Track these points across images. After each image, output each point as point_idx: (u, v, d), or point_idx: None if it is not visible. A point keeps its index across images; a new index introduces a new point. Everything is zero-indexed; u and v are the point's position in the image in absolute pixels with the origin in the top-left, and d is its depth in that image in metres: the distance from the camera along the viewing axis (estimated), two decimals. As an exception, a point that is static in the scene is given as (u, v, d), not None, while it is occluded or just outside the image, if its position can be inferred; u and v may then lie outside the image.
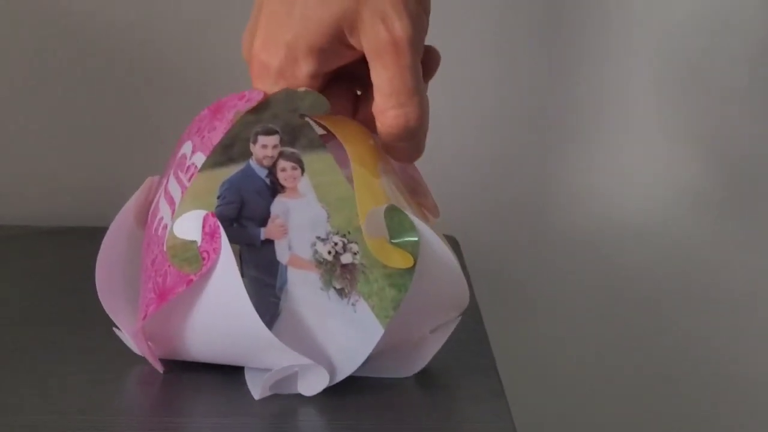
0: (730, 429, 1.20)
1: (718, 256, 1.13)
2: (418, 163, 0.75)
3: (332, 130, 0.69)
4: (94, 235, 0.72)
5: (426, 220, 0.75)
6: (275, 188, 0.68)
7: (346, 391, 0.68)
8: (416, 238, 0.66)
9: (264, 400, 0.68)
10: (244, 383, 0.69)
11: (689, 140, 1.07)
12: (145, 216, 0.73)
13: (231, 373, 0.70)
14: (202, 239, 0.65)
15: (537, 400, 1.15)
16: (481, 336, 0.80)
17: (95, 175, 1.08)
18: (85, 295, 0.71)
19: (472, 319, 0.77)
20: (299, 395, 0.68)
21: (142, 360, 0.70)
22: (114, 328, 0.71)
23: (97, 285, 0.69)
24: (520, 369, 1.13)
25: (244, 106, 0.69)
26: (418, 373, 0.71)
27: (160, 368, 0.70)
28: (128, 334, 0.69)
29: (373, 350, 0.67)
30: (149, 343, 0.69)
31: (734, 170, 1.10)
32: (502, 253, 1.11)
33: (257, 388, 0.67)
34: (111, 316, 0.69)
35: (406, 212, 0.66)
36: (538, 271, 1.12)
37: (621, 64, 1.05)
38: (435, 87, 1.03)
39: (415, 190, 0.75)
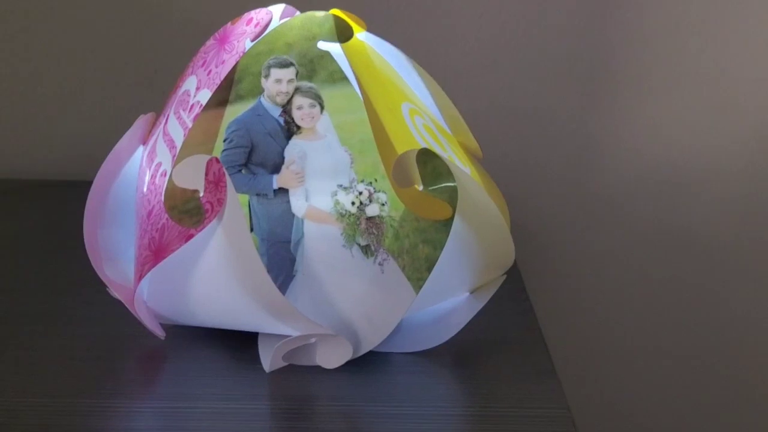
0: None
1: None
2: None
3: (349, 60, 0.60)
4: (81, 189, 0.64)
5: (471, 160, 0.68)
6: (290, 129, 0.60)
7: (371, 368, 0.61)
8: (453, 184, 0.57)
9: (277, 379, 0.60)
10: (255, 357, 0.61)
11: (740, 93, 0.98)
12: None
13: (241, 344, 0.62)
14: (205, 188, 0.56)
15: (586, 377, 1.06)
16: (525, 305, 0.71)
17: (79, 122, 0.98)
18: (73, 255, 0.64)
19: (513, 285, 0.68)
20: (317, 368, 0.60)
21: (140, 328, 0.61)
22: (107, 290, 0.62)
23: (85, 241, 0.61)
24: (567, 341, 1.04)
25: (253, 32, 0.61)
26: (454, 349, 0.63)
27: (160, 334, 0.61)
28: (122, 297, 0.60)
29: (403, 316, 0.59)
30: (147, 305, 0.61)
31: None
32: (543, 214, 1.02)
33: (268, 358, 0.59)
34: (102, 276, 0.61)
35: (441, 155, 0.57)
36: (583, 234, 1.03)
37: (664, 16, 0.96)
38: (474, 37, 0.96)
39: (456, 129, 0.68)
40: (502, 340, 0.65)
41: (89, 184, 0.63)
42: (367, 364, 0.60)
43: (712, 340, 1.07)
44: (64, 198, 0.74)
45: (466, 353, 0.63)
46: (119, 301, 0.61)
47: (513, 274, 0.69)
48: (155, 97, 0.71)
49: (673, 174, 1.00)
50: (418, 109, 0.64)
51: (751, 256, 1.04)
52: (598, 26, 0.95)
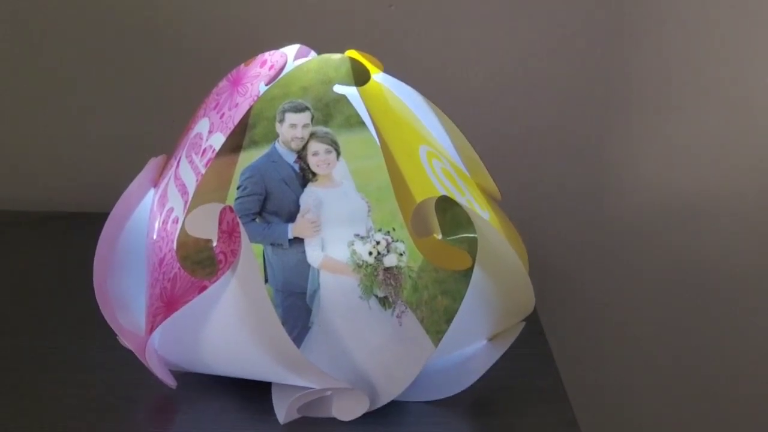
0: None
1: None
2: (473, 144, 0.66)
3: (366, 104, 0.59)
4: (94, 220, 0.62)
5: (489, 202, 0.66)
6: (305, 176, 0.58)
7: (388, 418, 0.59)
8: (473, 233, 0.55)
9: (291, 429, 0.58)
10: (269, 408, 0.59)
11: (760, 118, 0.97)
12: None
13: (255, 394, 0.60)
14: (219, 238, 0.54)
15: (610, 427, 1.05)
16: (544, 350, 0.69)
17: (91, 156, 0.97)
18: (82, 296, 0.61)
19: (531, 329, 0.66)
20: (333, 420, 0.58)
21: (151, 378, 0.60)
22: (118, 338, 0.61)
23: (95, 289, 0.59)
24: (588, 385, 1.02)
25: (268, 75, 0.59)
26: (472, 397, 0.61)
27: (171, 384, 0.60)
28: (132, 347, 0.59)
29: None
30: (158, 353, 0.59)
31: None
32: (559, 243, 1.01)
33: (283, 410, 0.57)
34: (112, 325, 0.59)
35: (460, 201, 0.55)
36: (599, 263, 1.02)
37: (682, 38, 0.95)
38: (494, 59, 0.94)
39: (474, 170, 0.66)
40: (521, 388, 0.64)
41: (96, 215, 0.62)
42: (384, 414, 0.59)
43: (738, 374, 1.05)
44: (72, 231, 0.72)
45: (484, 402, 0.62)
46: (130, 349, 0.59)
47: (531, 316, 0.68)
48: (167, 134, 0.70)
49: (693, 201, 0.99)
50: (436, 152, 0.63)
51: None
52: (615, 52, 0.94)
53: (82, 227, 0.65)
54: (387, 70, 0.64)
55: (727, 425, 1.07)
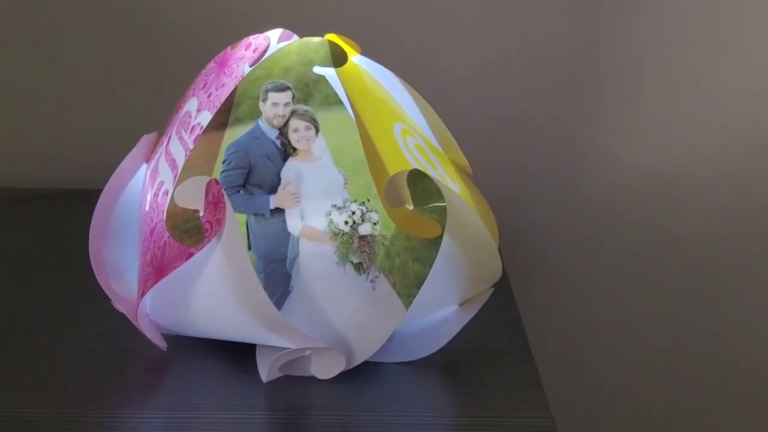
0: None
1: (757, 222, 1.05)
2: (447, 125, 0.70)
3: (343, 84, 0.62)
4: (88, 198, 0.66)
5: (462, 176, 0.70)
6: (287, 151, 0.62)
7: (363, 378, 0.63)
8: (443, 204, 0.59)
9: (274, 389, 0.62)
10: (253, 368, 0.63)
11: (731, 100, 1.00)
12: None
13: (240, 355, 0.64)
14: (205, 209, 0.58)
15: (575, 389, 1.09)
16: (513, 316, 0.73)
17: (87, 134, 1.01)
18: (79, 268, 0.65)
19: (500, 294, 0.70)
20: (312, 378, 0.62)
21: (143, 340, 0.64)
22: (113, 303, 0.65)
23: (90, 257, 0.63)
24: (555, 351, 1.07)
25: (252, 57, 0.63)
26: (444, 359, 0.65)
27: (162, 345, 0.64)
28: (125, 311, 0.63)
29: (394, 330, 0.62)
30: (150, 317, 0.63)
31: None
32: (532, 222, 1.04)
33: (265, 370, 0.61)
34: (107, 291, 0.63)
35: (432, 175, 0.59)
36: (573, 238, 1.06)
37: (653, 24, 0.98)
38: (469, 42, 0.98)
39: (447, 146, 0.70)
40: (490, 350, 0.67)
41: (94, 192, 0.65)
42: (360, 374, 0.62)
43: (702, 342, 1.09)
44: (69, 207, 0.76)
45: (455, 363, 0.65)
46: (123, 314, 0.63)
47: (502, 283, 0.71)
48: (157, 110, 0.74)
49: (662, 180, 1.02)
50: (410, 129, 0.66)
51: (739, 259, 1.06)
52: (589, 39, 0.97)
53: (79, 203, 0.68)
54: (367, 54, 0.68)
55: (691, 389, 1.11)
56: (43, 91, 1.00)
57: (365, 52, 0.67)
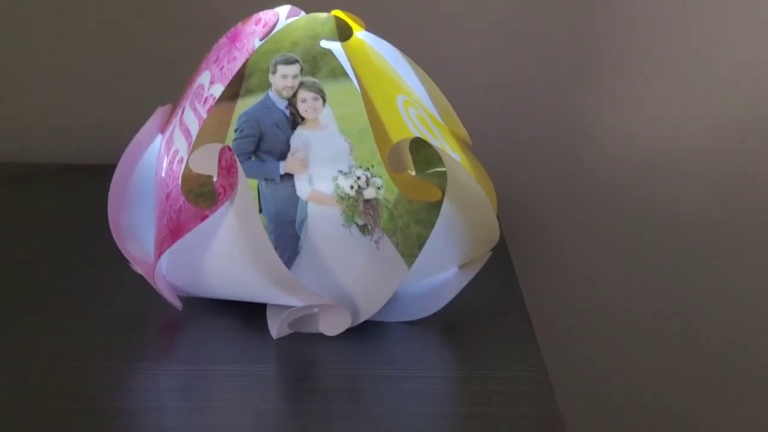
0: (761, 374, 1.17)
1: (753, 196, 1.09)
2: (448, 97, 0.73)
3: (349, 58, 0.65)
4: (106, 172, 0.70)
5: (461, 146, 0.73)
6: (295, 120, 0.65)
7: (368, 336, 0.66)
8: (443, 169, 0.62)
9: (283, 345, 0.65)
10: (264, 325, 0.67)
11: (738, 70, 1.03)
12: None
13: (251, 314, 0.68)
14: (219, 174, 0.61)
15: (568, 347, 1.13)
16: (510, 278, 0.77)
17: (105, 110, 1.05)
18: (98, 235, 0.69)
19: (499, 261, 0.74)
20: (319, 335, 0.66)
21: (160, 300, 0.68)
22: (131, 266, 0.68)
23: (109, 222, 0.67)
24: (550, 313, 1.11)
25: (262, 32, 0.66)
26: (445, 319, 0.69)
27: (177, 305, 0.67)
28: (143, 272, 0.66)
29: (397, 288, 0.65)
30: (166, 279, 0.67)
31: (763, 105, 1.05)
32: (532, 195, 1.08)
33: (276, 327, 0.65)
34: (125, 254, 0.67)
35: (433, 143, 0.63)
36: (567, 211, 1.09)
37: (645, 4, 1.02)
38: (470, 19, 1.01)
39: (447, 118, 0.73)
40: (489, 310, 0.71)
41: (112, 167, 0.69)
42: (365, 331, 0.66)
43: (693, 311, 1.12)
44: (90, 181, 0.79)
45: (455, 322, 0.69)
46: (141, 276, 0.67)
47: (501, 250, 0.75)
48: (172, 87, 0.77)
49: (657, 155, 1.06)
50: (412, 101, 0.70)
51: (733, 233, 1.09)
52: (588, 15, 1.01)
53: (100, 178, 0.72)
54: (371, 29, 0.71)
55: (683, 358, 1.14)
56: (69, 72, 1.04)
57: (369, 28, 0.70)
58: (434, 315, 0.68)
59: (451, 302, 0.68)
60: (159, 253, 0.64)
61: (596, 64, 1.03)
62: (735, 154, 1.06)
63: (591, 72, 1.03)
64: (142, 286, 0.67)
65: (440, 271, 0.69)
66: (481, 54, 1.02)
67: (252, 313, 0.68)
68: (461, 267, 0.70)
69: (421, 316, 0.68)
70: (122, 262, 0.68)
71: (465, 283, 0.68)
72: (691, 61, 1.03)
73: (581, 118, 1.05)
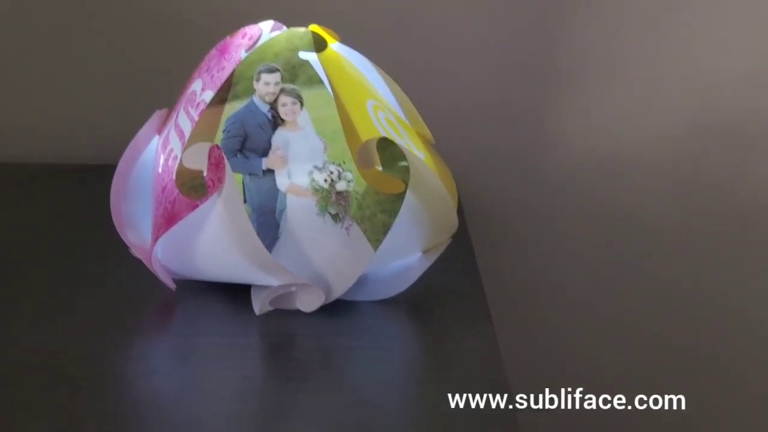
0: (730, 368, 1.22)
1: (718, 197, 1.14)
2: (417, 105, 0.80)
3: (324, 67, 0.72)
4: (109, 172, 0.76)
5: (426, 145, 0.79)
6: (276, 122, 0.71)
7: (341, 312, 0.72)
8: (406, 164, 0.69)
9: (265, 320, 0.72)
10: (248, 303, 0.73)
11: (688, 80, 1.09)
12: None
13: (237, 294, 0.74)
14: (208, 169, 0.67)
15: (520, 323, 1.18)
16: (472, 267, 0.83)
17: (109, 114, 1.12)
18: (99, 227, 0.75)
19: (461, 247, 0.81)
20: (297, 312, 0.72)
21: (156, 282, 0.74)
22: (129, 251, 0.75)
23: (111, 212, 0.73)
24: (505, 294, 1.16)
25: (247, 44, 0.74)
26: (409, 298, 0.74)
27: (171, 286, 0.74)
28: (141, 256, 0.73)
29: (366, 270, 0.72)
30: (161, 262, 0.74)
31: (731, 107, 1.10)
32: (497, 194, 1.14)
33: (258, 304, 0.72)
34: (125, 240, 0.73)
35: (398, 142, 0.69)
36: (532, 212, 1.16)
37: (616, 6, 1.08)
38: (437, 32, 1.08)
39: (413, 120, 0.80)
40: (450, 291, 0.77)
41: (113, 167, 0.75)
42: (338, 309, 0.71)
43: (642, 302, 1.17)
44: (93, 179, 0.84)
45: (419, 302, 0.74)
46: (139, 261, 0.73)
47: (463, 238, 0.81)
48: (168, 94, 0.82)
49: (609, 160, 1.11)
50: (381, 106, 0.76)
51: (680, 232, 1.15)
52: (547, 33, 1.07)
53: (103, 176, 0.77)
54: (345, 42, 0.76)
55: (632, 342, 1.19)
56: (73, 79, 1.11)
57: (344, 41, 0.76)
58: (400, 294, 0.73)
59: (416, 283, 0.74)
60: (155, 239, 0.70)
61: (554, 79, 1.08)
62: (686, 157, 1.11)
63: (551, 87, 1.09)
64: (140, 270, 0.74)
65: (405, 256, 0.75)
66: (451, 66, 1.08)
67: (237, 293, 0.73)
68: (424, 252, 0.76)
69: (389, 296, 0.74)
70: (122, 248, 0.74)
71: (427, 266, 0.74)
72: (637, 76, 1.08)
73: (540, 120, 1.10)
